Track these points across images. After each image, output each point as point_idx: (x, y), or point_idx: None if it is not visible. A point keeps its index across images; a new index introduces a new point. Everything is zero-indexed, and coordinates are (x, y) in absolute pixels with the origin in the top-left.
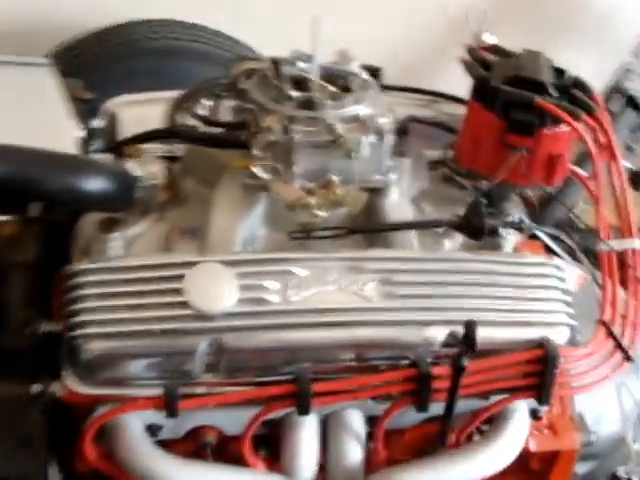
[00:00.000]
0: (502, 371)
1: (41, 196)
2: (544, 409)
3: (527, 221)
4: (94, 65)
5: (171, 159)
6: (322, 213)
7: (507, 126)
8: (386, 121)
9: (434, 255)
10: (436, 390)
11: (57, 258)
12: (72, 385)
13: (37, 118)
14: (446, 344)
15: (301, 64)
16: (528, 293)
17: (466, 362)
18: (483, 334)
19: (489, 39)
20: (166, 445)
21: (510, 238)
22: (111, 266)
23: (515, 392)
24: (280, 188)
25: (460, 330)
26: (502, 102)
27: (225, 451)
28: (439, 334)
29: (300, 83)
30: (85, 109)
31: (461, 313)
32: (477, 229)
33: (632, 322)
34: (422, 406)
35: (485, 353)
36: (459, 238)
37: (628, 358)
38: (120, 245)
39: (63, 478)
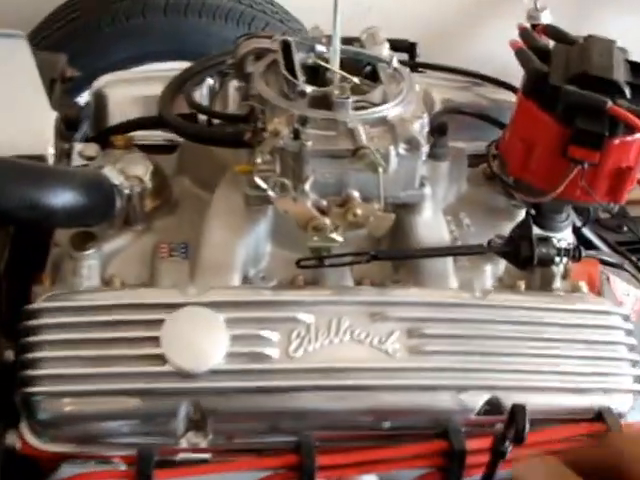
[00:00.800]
0: (551, 445)
1: None
2: None
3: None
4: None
5: (168, 148)
6: (338, 237)
7: (570, 135)
8: (421, 124)
9: (475, 300)
10: (471, 466)
11: (33, 267)
12: (30, 440)
13: (7, 97)
14: (485, 411)
15: (319, 47)
16: (588, 350)
17: (509, 449)
18: (531, 401)
19: (544, 17)
20: None
21: (562, 265)
22: (76, 305)
23: None
24: (288, 206)
25: (504, 397)
26: (565, 105)
27: None
28: (478, 401)
29: (316, 72)
30: (70, 88)
31: (506, 375)
32: (526, 258)
33: None
34: None
35: (532, 423)
36: (502, 262)
37: None
38: (96, 264)
39: None
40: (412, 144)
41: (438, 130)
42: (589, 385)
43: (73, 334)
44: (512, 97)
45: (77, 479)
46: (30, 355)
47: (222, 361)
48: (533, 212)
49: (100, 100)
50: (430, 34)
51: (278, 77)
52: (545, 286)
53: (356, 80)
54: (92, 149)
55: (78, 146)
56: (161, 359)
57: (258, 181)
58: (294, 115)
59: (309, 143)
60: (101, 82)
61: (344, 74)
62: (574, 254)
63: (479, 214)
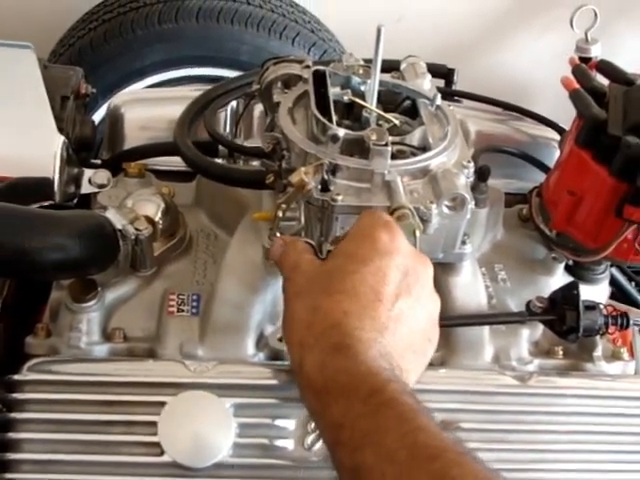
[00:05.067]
0: None
1: None
2: None
3: None
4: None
5: (189, 174)
6: None
7: (627, 192)
8: (467, 175)
9: (515, 389)
10: None
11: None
12: None
13: (10, 115)
14: None
15: (354, 79)
16: None
17: None
18: None
19: (594, 50)
20: None
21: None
22: (65, 380)
23: None
24: None
25: None
26: (624, 158)
27: None
28: None
29: (350, 106)
30: (85, 105)
31: (550, 475)
32: (571, 329)
33: None
34: None
35: None
36: (540, 326)
37: None
38: (96, 317)
39: None
40: (457, 201)
41: (478, 174)
42: None
43: (59, 413)
44: (552, 134)
45: None
46: (11, 435)
47: (227, 454)
48: (570, 262)
49: (115, 121)
50: (458, 47)
51: (307, 114)
52: (585, 352)
53: (397, 122)
54: (103, 176)
55: (88, 172)
56: (159, 447)
57: (279, 233)
58: (323, 165)
59: (339, 197)
60: (117, 101)
61: (383, 114)
62: (621, 322)
63: (515, 266)
